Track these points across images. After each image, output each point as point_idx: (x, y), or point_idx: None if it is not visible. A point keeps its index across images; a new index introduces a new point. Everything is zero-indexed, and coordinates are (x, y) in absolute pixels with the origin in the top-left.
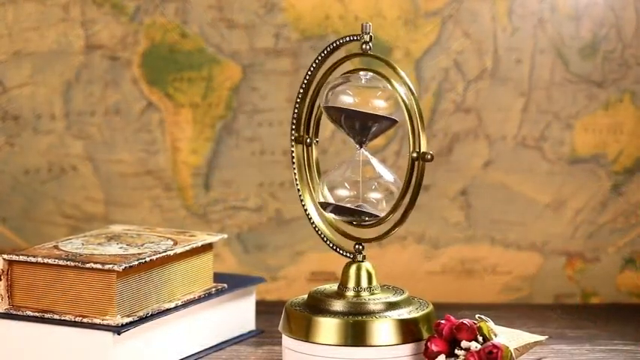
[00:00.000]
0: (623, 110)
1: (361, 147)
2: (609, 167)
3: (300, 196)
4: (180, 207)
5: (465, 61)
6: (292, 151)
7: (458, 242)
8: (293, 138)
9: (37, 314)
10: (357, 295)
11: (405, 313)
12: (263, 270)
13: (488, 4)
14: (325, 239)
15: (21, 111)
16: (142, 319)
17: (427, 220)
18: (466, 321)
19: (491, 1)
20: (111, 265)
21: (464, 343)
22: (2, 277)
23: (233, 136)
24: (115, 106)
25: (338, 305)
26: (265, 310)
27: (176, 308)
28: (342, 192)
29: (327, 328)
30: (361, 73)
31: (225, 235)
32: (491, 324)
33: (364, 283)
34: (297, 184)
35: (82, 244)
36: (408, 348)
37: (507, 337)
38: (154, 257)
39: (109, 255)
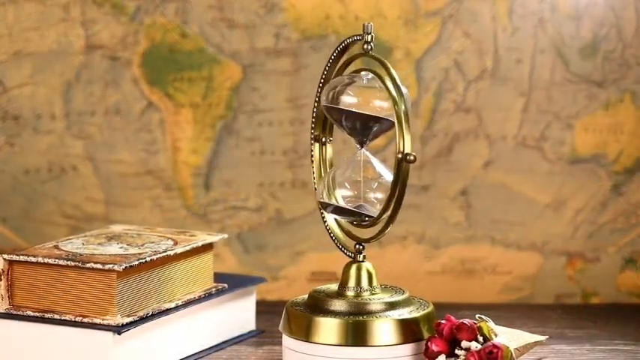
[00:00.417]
0: (623, 110)
1: (362, 147)
2: (609, 167)
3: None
4: (181, 207)
5: (465, 61)
6: (312, 150)
7: (458, 242)
8: (312, 137)
9: (37, 314)
10: (358, 295)
11: (405, 313)
12: (263, 270)
13: (489, 4)
14: (334, 238)
15: (21, 111)
16: (142, 319)
17: (427, 220)
18: (466, 321)
19: (492, 1)
20: (111, 265)
21: (464, 343)
22: (2, 277)
23: (233, 136)
24: (116, 106)
25: (338, 305)
26: (266, 310)
27: (176, 308)
28: (343, 192)
29: (328, 328)
30: (362, 73)
31: (226, 235)
32: (491, 324)
33: (364, 283)
34: (314, 182)
35: (83, 244)
36: (409, 348)
37: (507, 337)
38: (155, 257)
39: (110, 255)
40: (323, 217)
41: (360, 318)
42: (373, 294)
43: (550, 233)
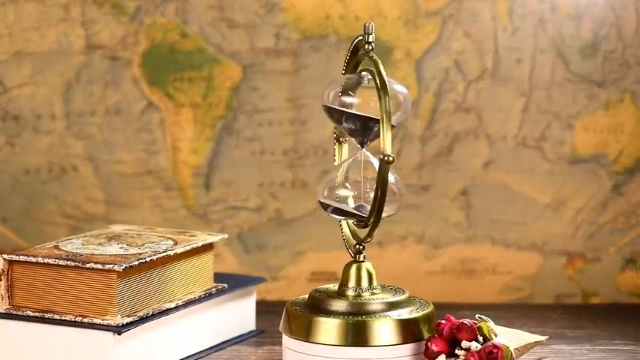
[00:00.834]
0: (623, 110)
1: (362, 147)
2: (610, 167)
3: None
4: (181, 207)
5: (465, 61)
6: (334, 149)
7: (458, 242)
8: (335, 136)
9: (37, 314)
10: (358, 295)
11: (405, 313)
12: (263, 270)
13: (489, 4)
14: (344, 238)
15: (21, 111)
16: (143, 319)
17: (427, 220)
18: (466, 321)
19: (492, 1)
20: (111, 265)
21: (464, 343)
22: (2, 277)
23: (233, 136)
24: (116, 106)
25: (338, 305)
26: (266, 310)
27: (176, 308)
28: (343, 192)
29: (328, 328)
30: (363, 73)
31: (226, 235)
32: (491, 324)
33: (365, 283)
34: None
35: (83, 244)
36: (409, 348)
37: (507, 337)
38: (155, 257)
39: (110, 255)
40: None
41: (360, 318)
42: (373, 294)
43: (550, 233)
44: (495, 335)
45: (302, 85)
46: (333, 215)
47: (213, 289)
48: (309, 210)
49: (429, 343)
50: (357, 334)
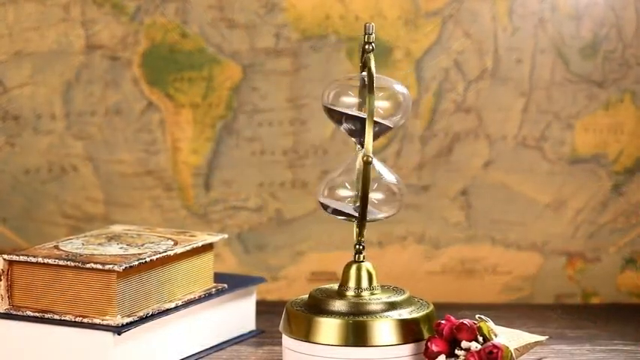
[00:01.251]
0: (623, 110)
1: (362, 147)
2: (610, 167)
3: None
4: (181, 207)
5: (465, 61)
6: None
7: (458, 242)
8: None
9: (37, 314)
10: (358, 295)
11: (405, 313)
12: (263, 270)
13: (489, 4)
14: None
15: (21, 111)
16: (143, 320)
17: (427, 220)
18: (466, 321)
19: (492, 1)
20: (111, 266)
21: (464, 344)
22: (2, 278)
23: (233, 136)
24: (116, 106)
25: (338, 305)
26: (266, 310)
27: (176, 308)
28: (343, 192)
29: (328, 328)
30: (363, 74)
31: (226, 235)
32: (491, 324)
33: (365, 283)
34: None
35: (83, 245)
36: (409, 348)
37: (507, 337)
38: (154, 257)
39: (110, 255)
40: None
41: (360, 318)
42: (373, 294)
43: (550, 233)
44: (495, 335)
45: (302, 85)
46: (333, 215)
47: (213, 289)
48: (309, 210)
49: (428, 343)
50: (357, 334)
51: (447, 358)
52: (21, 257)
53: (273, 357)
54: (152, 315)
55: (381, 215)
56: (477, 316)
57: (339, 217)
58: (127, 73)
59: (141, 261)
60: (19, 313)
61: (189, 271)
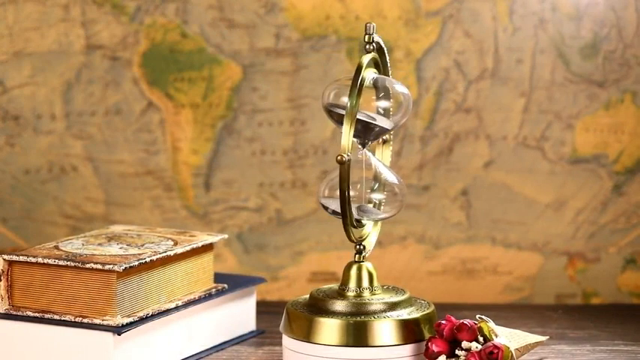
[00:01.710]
0: (623, 110)
1: (363, 148)
2: (610, 167)
3: None
4: (181, 207)
5: (465, 61)
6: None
7: (459, 242)
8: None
9: (37, 315)
10: (358, 295)
11: (405, 313)
12: (263, 270)
13: (489, 4)
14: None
15: (21, 111)
16: (143, 320)
17: (428, 220)
18: (467, 321)
19: (492, 1)
20: (111, 266)
21: (464, 344)
22: (2, 278)
23: (233, 136)
24: (116, 106)
25: (339, 305)
26: (266, 310)
27: (176, 308)
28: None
29: (328, 328)
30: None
31: (226, 236)
32: (491, 324)
33: (365, 283)
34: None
35: (83, 245)
36: (409, 348)
37: (508, 337)
38: (155, 257)
39: (110, 255)
40: None
41: (361, 318)
42: (374, 294)
43: (551, 233)
44: (496, 335)
45: (302, 85)
46: (334, 215)
47: (214, 290)
48: (309, 210)
49: (429, 344)
50: (357, 335)
51: (447, 358)
52: (21, 257)
53: (274, 357)
54: (152, 315)
55: (381, 216)
56: (477, 316)
57: (340, 218)
58: (127, 73)
59: (141, 261)
60: (19, 313)
61: (189, 271)
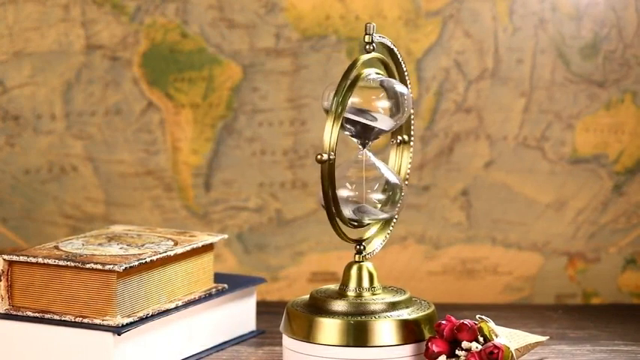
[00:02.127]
0: (624, 110)
1: (364, 147)
2: (610, 167)
3: None
4: (181, 207)
5: (465, 61)
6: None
7: (459, 242)
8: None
9: (37, 315)
10: (359, 295)
11: (406, 313)
12: (264, 270)
13: (489, 4)
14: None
15: (21, 111)
16: (143, 320)
17: (428, 221)
18: (467, 321)
19: (492, 1)
20: (111, 266)
21: (465, 344)
22: (2, 278)
23: (234, 136)
24: (116, 106)
25: (339, 305)
26: (266, 310)
27: (176, 309)
28: (344, 192)
29: (329, 328)
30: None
31: (226, 236)
32: (492, 324)
33: (365, 283)
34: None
35: (83, 245)
36: (409, 348)
37: (508, 337)
38: (155, 258)
39: (110, 255)
40: None
41: (361, 318)
42: (374, 294)
43: (551, 233)
44: (496, 336)
45: (302, 85)
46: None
47: (214, 290)
48: (309, 210)
49: (429, 344)
50: (357, 335)
51: (447, 358)
52: (21, 257)
53: (274, 357)
54: (152, 315)
55: (381, 216)
56: (477, 316)
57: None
58: (127, 73)
59: (141, 261)
60: (19, 313)
61: (189, 271)
